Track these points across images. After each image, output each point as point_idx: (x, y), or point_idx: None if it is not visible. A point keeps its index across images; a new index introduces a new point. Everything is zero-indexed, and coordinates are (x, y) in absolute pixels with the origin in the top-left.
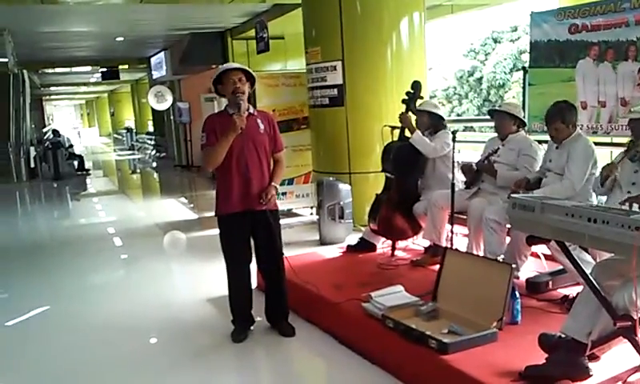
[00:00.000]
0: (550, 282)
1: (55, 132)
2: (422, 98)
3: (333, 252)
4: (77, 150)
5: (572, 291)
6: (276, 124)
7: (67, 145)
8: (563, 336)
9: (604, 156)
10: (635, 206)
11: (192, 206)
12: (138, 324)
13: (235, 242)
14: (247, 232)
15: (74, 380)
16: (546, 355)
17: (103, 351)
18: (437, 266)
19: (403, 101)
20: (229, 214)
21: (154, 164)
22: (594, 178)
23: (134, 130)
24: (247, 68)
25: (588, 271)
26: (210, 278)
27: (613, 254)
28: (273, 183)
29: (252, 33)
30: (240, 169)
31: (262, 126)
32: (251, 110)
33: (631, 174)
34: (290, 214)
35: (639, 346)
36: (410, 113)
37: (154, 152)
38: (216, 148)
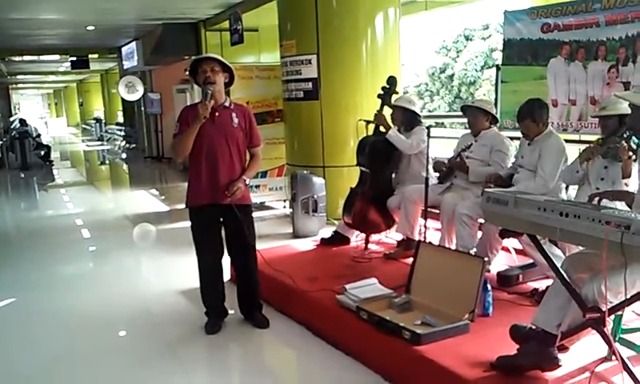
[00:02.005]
0: (521, 276)
1: (22, 121)
2: (397, 93)
3: (306, 245)
4: (44, 140)
5: (541, 284)
6: (253, 119)
7: (35, 134)
8: (533, 327)
9: (573, 153)
10: (605, 201)
11: (163, 197)
12: (108, 316)
13: (204, 234)
14: (216, 224)
15: (43, 374)
16: (517, 346)
17: (72, 344)
18: (410, 259)
19: (379, 96)
20: (197, 206)
21: (124, 155)
22: (566, 167)
23: (104, 121)
24: (221, 58)
25: (558, 265)
26: (182, 269)
27: (583, 248)
28: (242, 177)
29: (226, 24)
30: (209, 161)
31: (236, 120)
32: (227, 103)
33: (601, 170)
34: (263, 206)
35: (607, 337)
36: (385, 108)
37: (123, 143)
38: (182, 137)
